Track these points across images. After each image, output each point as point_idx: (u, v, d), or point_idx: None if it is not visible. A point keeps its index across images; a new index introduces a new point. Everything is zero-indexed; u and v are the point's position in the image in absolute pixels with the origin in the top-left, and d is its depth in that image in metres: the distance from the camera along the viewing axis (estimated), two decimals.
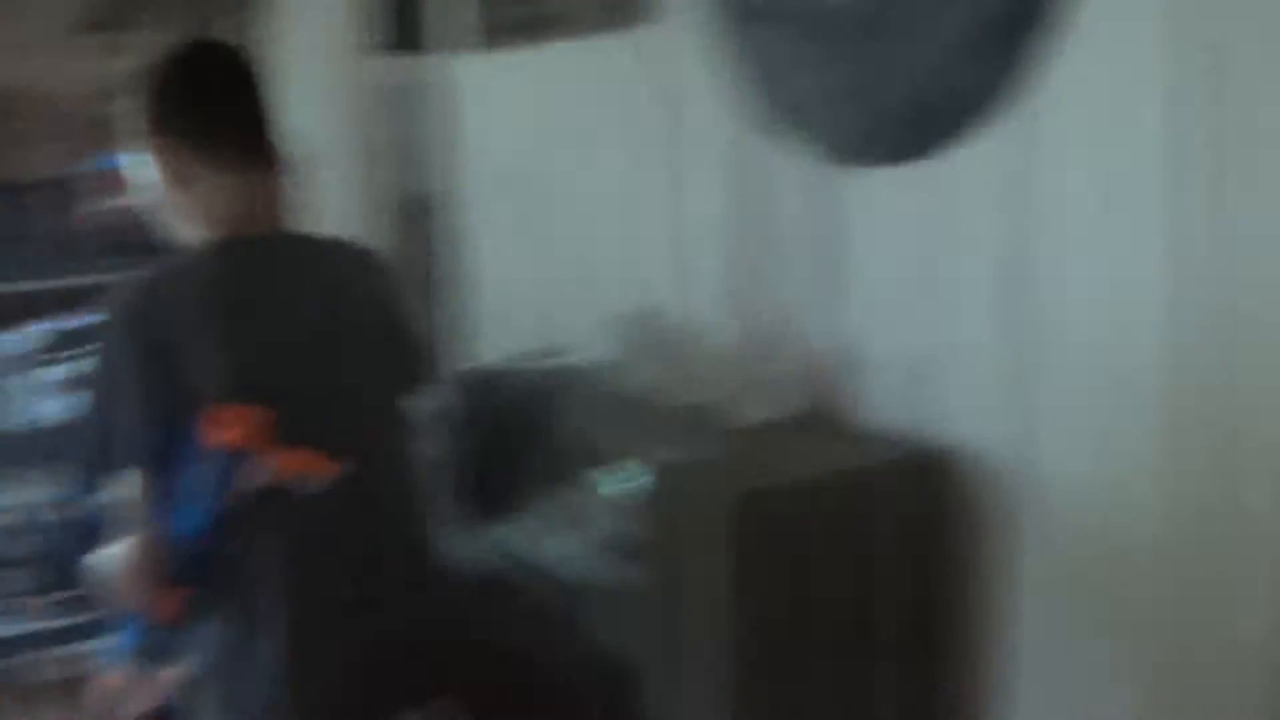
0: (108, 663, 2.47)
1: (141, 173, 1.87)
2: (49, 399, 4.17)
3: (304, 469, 1.78)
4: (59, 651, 3.80)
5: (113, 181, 2.41)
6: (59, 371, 4.22)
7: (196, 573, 1.83)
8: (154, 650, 1.93)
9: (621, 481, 2.12)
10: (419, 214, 4.52)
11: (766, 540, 1.80)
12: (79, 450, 1.90)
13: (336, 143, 4.29)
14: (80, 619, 3.46)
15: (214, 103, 1.88)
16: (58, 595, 3.86)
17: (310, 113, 4.40)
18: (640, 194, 2.52)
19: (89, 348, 1.88)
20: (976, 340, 1.90)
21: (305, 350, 1.85)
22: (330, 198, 4.44)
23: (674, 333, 2.29)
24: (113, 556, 1.81)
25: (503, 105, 3.01)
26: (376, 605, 1.89)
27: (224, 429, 1.70)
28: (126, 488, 1.76)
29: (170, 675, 2.08)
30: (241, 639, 1.85)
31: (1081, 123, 1.83)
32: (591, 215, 2.60)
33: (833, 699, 1.90)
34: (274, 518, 1.78)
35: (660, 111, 2.45)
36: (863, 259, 2.08)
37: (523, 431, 2.31)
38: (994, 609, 1.98)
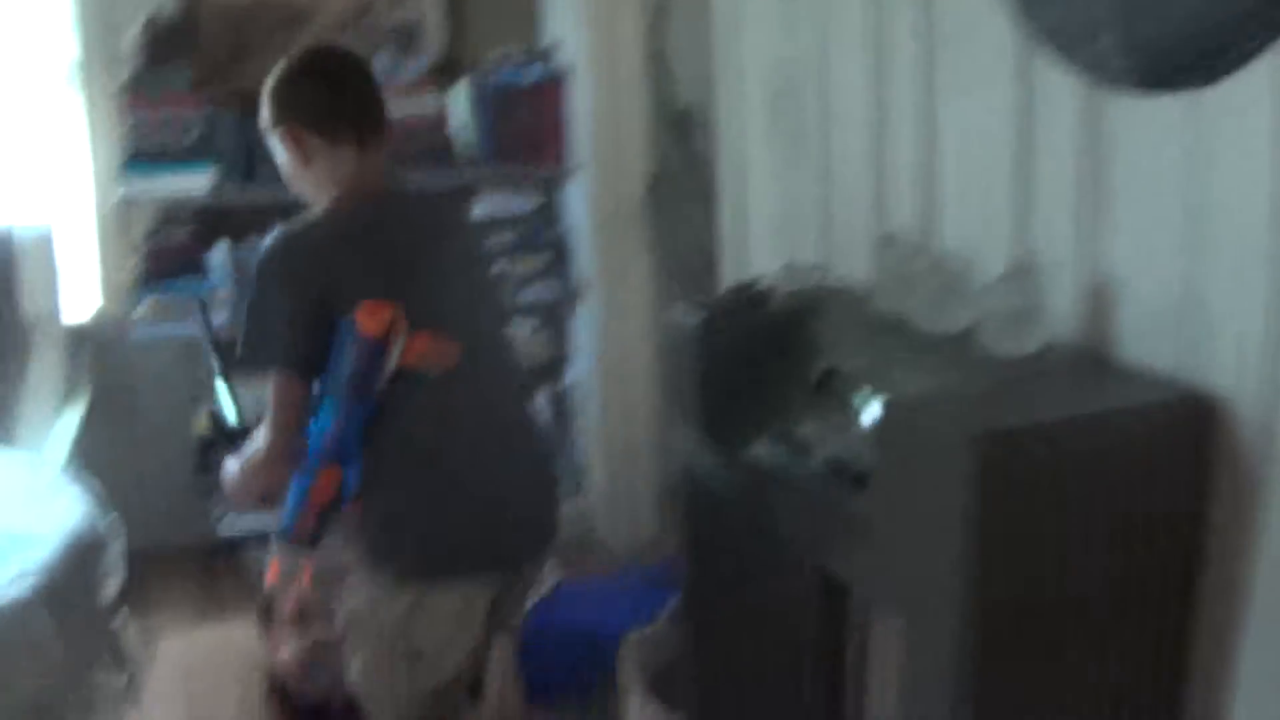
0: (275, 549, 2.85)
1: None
2: None
3: (430, 354, 2.39)
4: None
5: None
6: None
7: (347, 451, 2.41)
8: (306, 531, 2.50)
9: (870, 408, 2.09)
10: (683, 128, 4.53)
11: (1012, 481, 1.65)
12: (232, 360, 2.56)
13: (603, 54, 4.32)
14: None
15: (329, 94, 2.50)
16: None
17: (576, 23, 4.47)
18: (903, 114, 2.44)
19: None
20: (1247, 279, 1.77)
21: (424, 267, 2.44)
22: (598, 109, 4.54)
23: (933, 259, 2.22)
24: (252, 452, 2.48)
25: (769, 17, 2.96)
26: (504, 466, 2.49)
27: (369, 320, 2.30)
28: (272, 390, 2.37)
29: (320, 555, 2.69)
30: (389, 505, 2.41)
31: None
32: (854, 134, 2.54)
33: (1070, 653, 1.77)
34: (410, 395, 2.36)
35: (926, 32, 2.37)
36: (1129, 189, 1.91)
37: (772, 350, 2.29)
38: (1251, 572, 1.77)
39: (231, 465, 2.59)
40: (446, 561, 2.43)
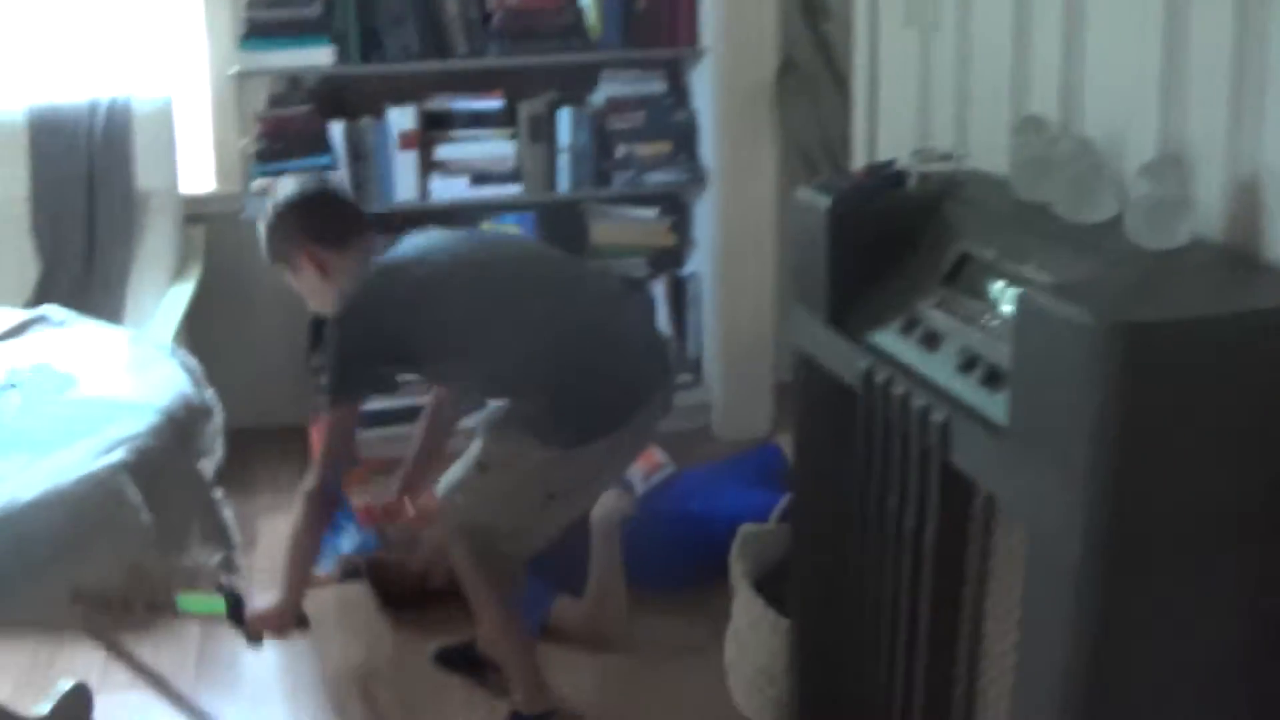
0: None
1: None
2: (427, 179, 4.39)
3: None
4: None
5: None
6: (439, 152, 4.41)
7: None
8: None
9: (1005, 298, 1.98)
10: (815, 11, 4.39)
11: (1154, 378, 1.51)
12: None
13: None
14: None
15: (333, 220, 3.07)
16: None
17: None
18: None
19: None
20: None
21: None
22: None
23: (1075, 144, 2.09)
24: None
25: None
26: (617, 343, 2.94)
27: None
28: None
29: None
30: (534, 405, 2.85)
31: None
32: (994, 14, 2.40)
33: (1208, 571, 1.63)
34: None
35: None
36: None
37: (904, 235, 2.19)
38: None
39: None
40: (589, 429, 2.82)
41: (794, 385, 2.40)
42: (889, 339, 2.08)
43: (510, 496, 2.86)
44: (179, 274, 4.23)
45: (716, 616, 3.27)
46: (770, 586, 3.09)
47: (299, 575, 3.05)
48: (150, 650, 3.31)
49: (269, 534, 3.95)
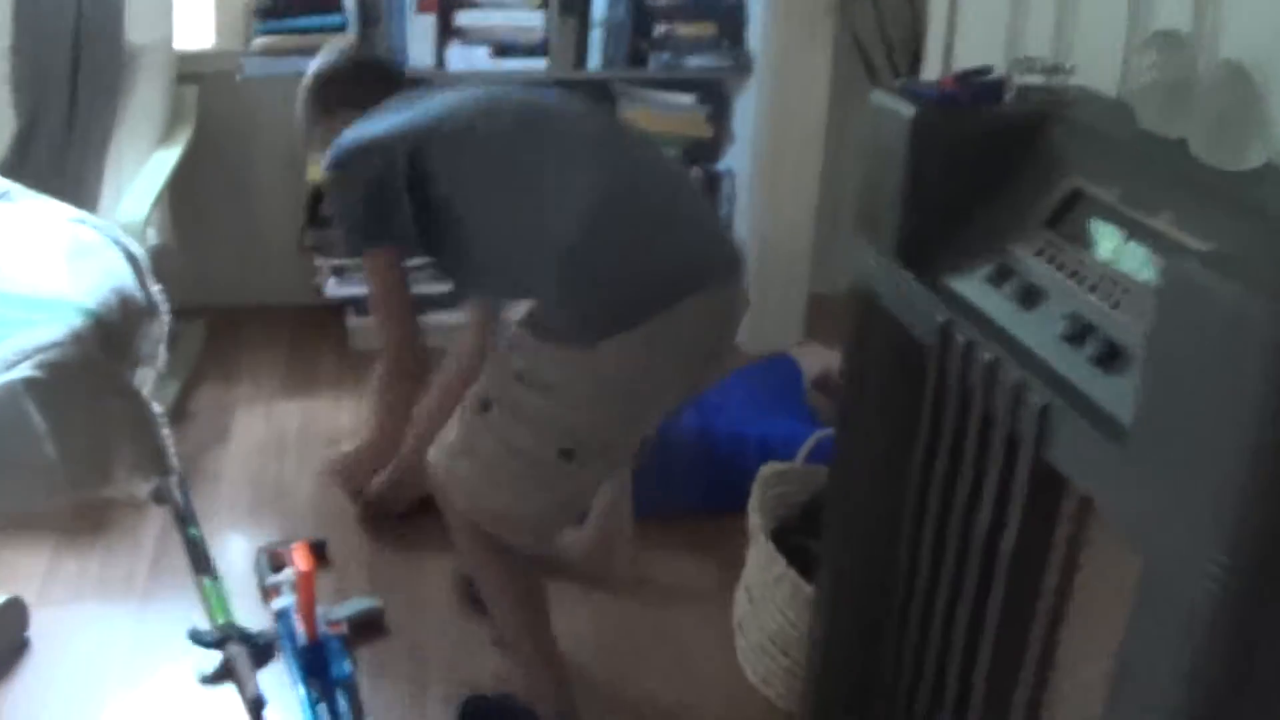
0: None
1: None
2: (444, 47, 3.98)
3: None
4: None
5: None
6: (460, 18, 4.00)
7: None
8: None
9: (1125, 257, 1.59)
10: None
11: None
12: None
13: None
14: None
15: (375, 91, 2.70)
16: None
17: None
18: None
19: None
20: None
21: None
22: None
23: (1224, 74, 1.68)
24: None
25: None
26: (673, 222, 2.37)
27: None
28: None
29: None
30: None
31: None
32: None
33: None
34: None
35: None
36: None
37: (1000, 160, 1.79)
38: None
39: None
40: (622, 308, 2.24)
41: (847, 327, 2.01)
42: (974, 288, 1.69)
43: (523, 457, 2.26)
44: (166, 137, 3.86)
45: (727, 560, 2.95)
46: (790, 536, 2.74)
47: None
48: (103, 553, 2.99)
49: (245, 427, 3.61)
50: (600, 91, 4.19)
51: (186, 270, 4.16)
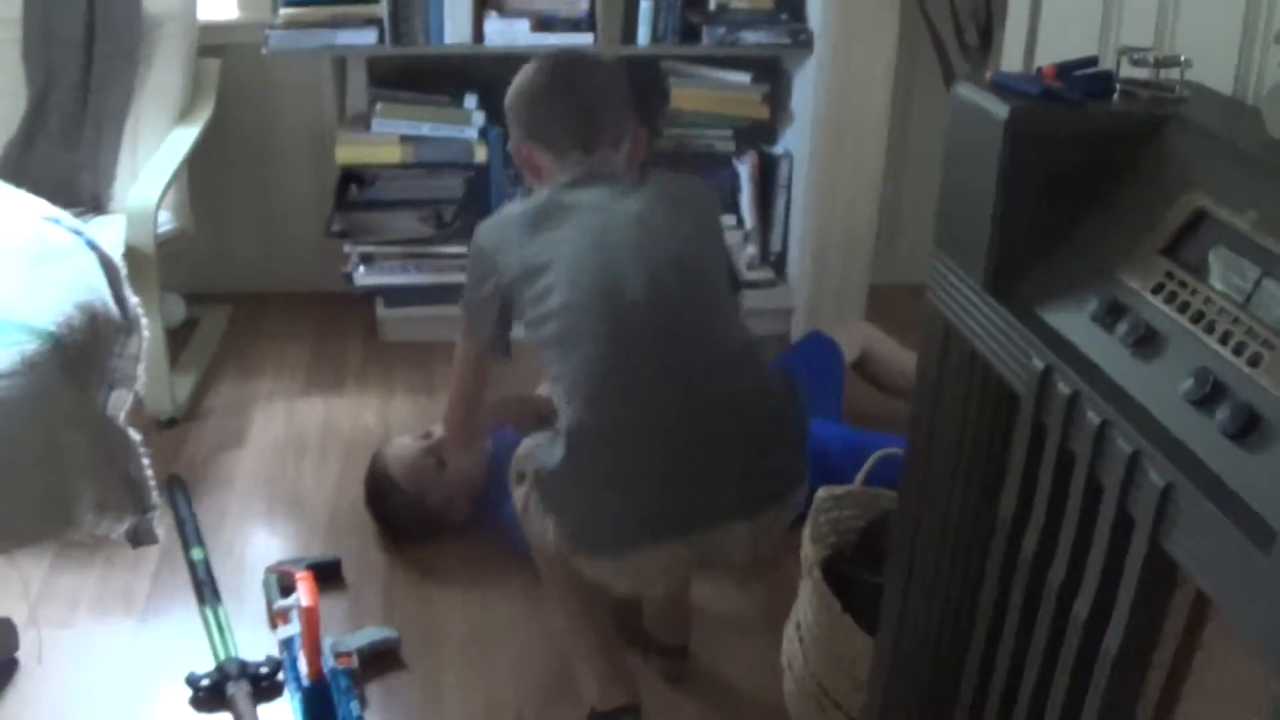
0: None
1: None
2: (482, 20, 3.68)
3: None
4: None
5: None
6: None
7: None
8: None
9: (1260, 294, 1.31)
10: None
11: None
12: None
13: None
14: None
15: (557, 110, 2.45)
16: None
17: None
18: None
19: None
20: None
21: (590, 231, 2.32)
22: None
23: None
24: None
25: None
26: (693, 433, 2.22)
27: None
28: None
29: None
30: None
31: None
32: None
33: None
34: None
35: None
36: None
37: (1108, 169, 1.51)
38: None
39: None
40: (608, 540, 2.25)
41: (922, 357, 1.73)
42: (1078, 327, 1.41)
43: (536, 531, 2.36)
44: (186, 113, 3.63)
45: (777, 587, 2.69)
46: (845, 565, 2.48)
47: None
48: (103, 567, 2.77)
49: (263, 427, 3.37)
50: (649, 69, 3.91)
51: (206, 255, 3.96)
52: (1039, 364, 1.40)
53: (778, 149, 4.00)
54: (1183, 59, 1.58)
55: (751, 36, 3.73)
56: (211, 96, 3.68)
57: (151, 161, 3.38)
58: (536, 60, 2.53)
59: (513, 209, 2.43)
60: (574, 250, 2.27)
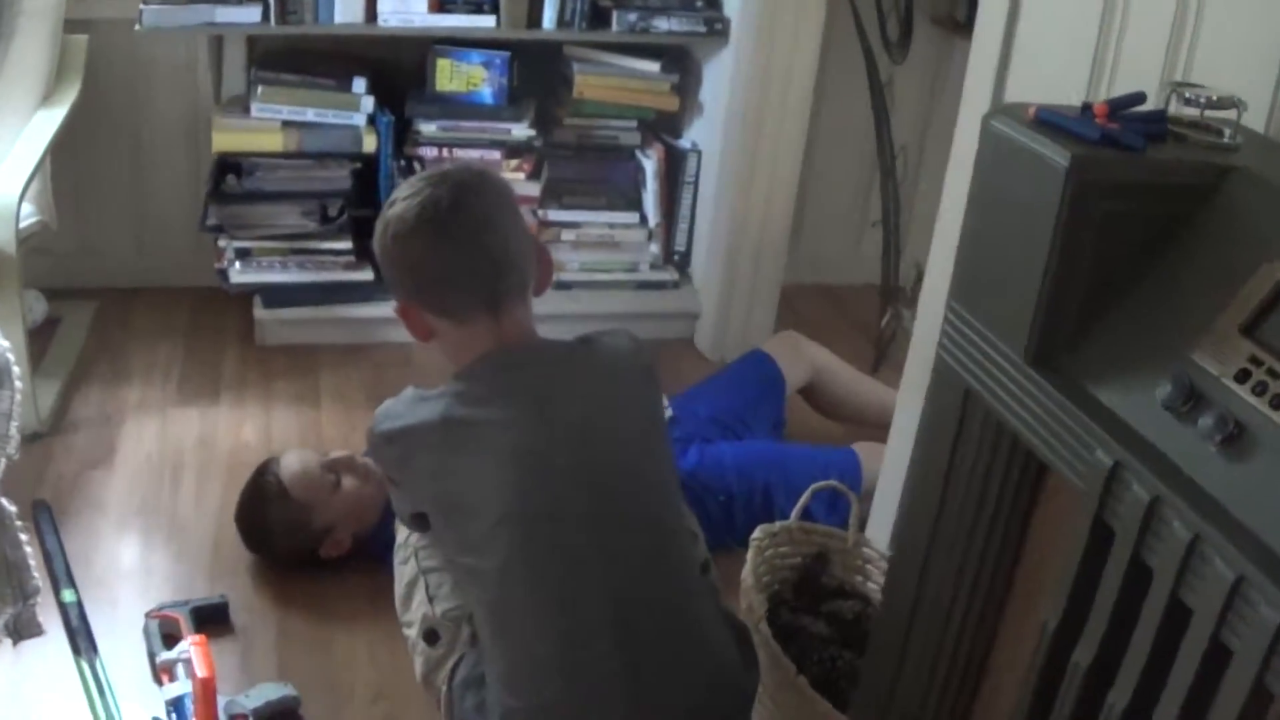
0: None
1: None
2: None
3: None
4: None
5: None
6: None
7: None
8: None
9: None
10: None
11: None
12: None
13: None
14: None
15: (452, 264, 1.89)
16: None
17: None
18: None
19: None
20: None
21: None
22: None
23: None
24: None
25: None
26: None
27: None
28: None
29: None
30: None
31: None
32: None
33: None
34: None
35: None
36: None
37: (1169, 228, 1.32)
38: None
39: None
40: None
41: (934, 420, 1.54)
42: (1147, 415, 1.22)
43: None
44: (50, 94, 3.28)
45: None
46: (787, 615, 2.30)
47: None
48: None
49: (135, 441, 3.08)
50: (553, 54, 3.68)
51: (70, 248, 3.64)
52: (1105, 459, 1.21)
53: (684, 142, 3.79)
54: (1237, 99, 1.40)
55: (664, 24, 3.52)
56: (78, 76, 3.34)
57: (14, 146, 3.04)
58: (409, 199, 1.90)
59: (418, 414, 1.89)
60: (503, 499, 1.81)
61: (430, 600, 2.02)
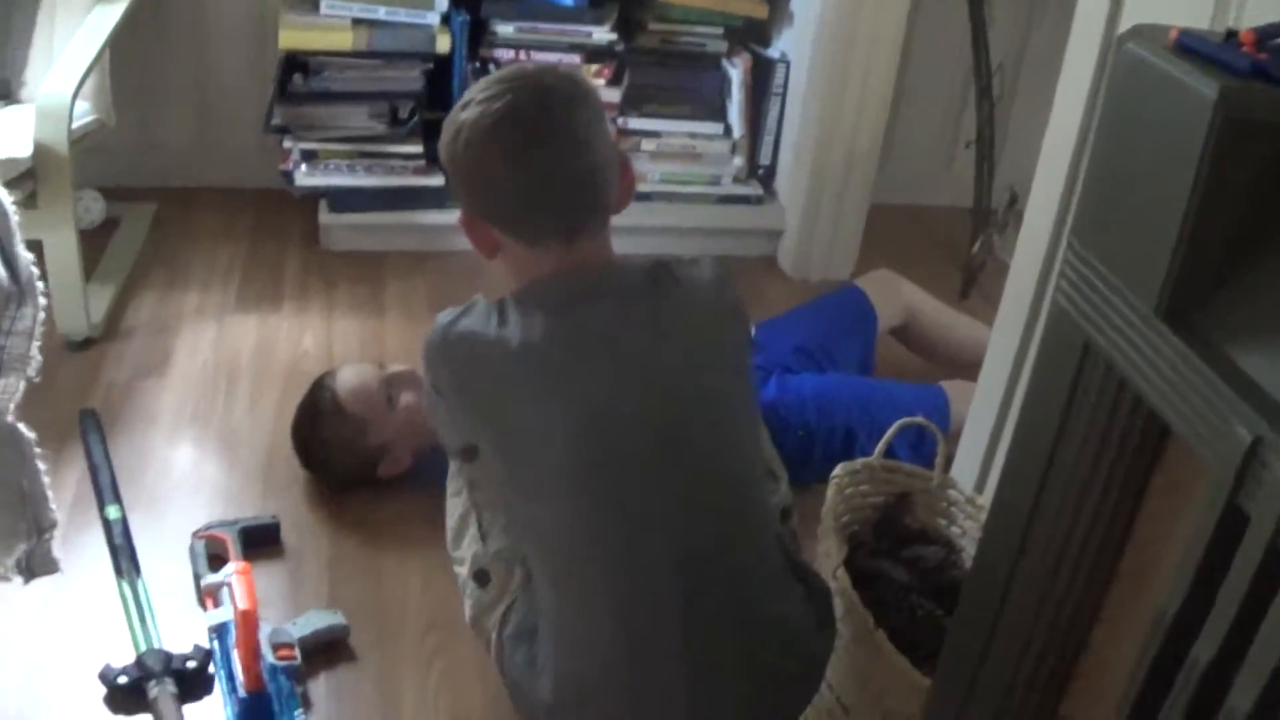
0: None
1: None
2: None
3: None
4: None
5: None
6: None
7: None
8: None
9: None
10: None
11: None
12: None
13: None
14: None
15: (526, 183, 1.68)
16: None
17: None
18: None
19: None
20: None
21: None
22: None
23: None
24: None
25: None
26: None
27: None
28: None
29: None
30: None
31: None
32: None
33: None
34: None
35: None
36: None
37: None
38: None
39: None
40: None
41: (1046, 370, 1.38)
42: None
43: None
44: None
45: None
46: (866, 559, 2.16)
47: None
48: None
49: (190, 349, 2.98)
50: None
51: (130, 146, 3.54)
52: (1244, 433, 1.05)
53: (773, 52, 3.60)
54: None
55: None
56: None
57: (70, 43, 2.92)
58: (486, 101, 1.67)
59: (492, 334, 1.69)
60: (568, 447, 1.66)
61: (483, 538, 1.90)
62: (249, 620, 1.95)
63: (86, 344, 2.91)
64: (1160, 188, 1.15)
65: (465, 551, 1.94)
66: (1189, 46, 1.16)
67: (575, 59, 3.42)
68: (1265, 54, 1.14)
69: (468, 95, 1.72)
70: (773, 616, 1.74)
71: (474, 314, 1.72)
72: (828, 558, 2.08)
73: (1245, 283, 1.14)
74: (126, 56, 3.28)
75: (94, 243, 3.23)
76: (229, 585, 2.10)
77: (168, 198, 3.61)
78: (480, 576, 1.89)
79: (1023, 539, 1.41)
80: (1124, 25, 1.88)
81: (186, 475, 2.58)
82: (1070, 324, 1.29)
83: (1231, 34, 1.18)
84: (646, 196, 3.58)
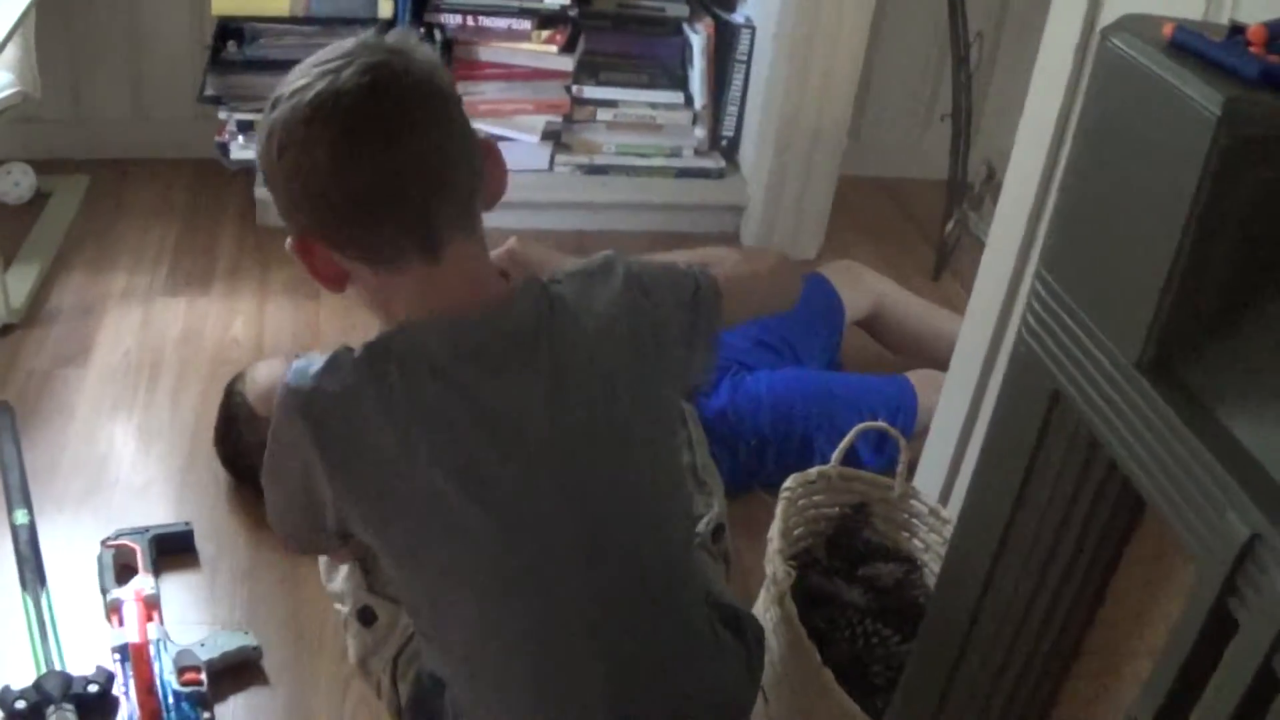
0: None
1: None
2: None
3: None
4: None
5: None
6: None
7: None
8: None
9: None
10: None
11: None
12: None
13: None
14: None
15: (357, 191, 1.31)
16: None
17: None
18: None
19: None
20: None
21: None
22: None
23: None
24: None
25: None
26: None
27: None
28: None
29: None
30: None
31: None
32: None
33: None
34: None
35: None
36: None
37: None
38: None
39: None
40: None
41: (1007, 415, 1.22)
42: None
43: None
44: None
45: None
46: (818, 579, 2.01)
47: None
48: None
49: (114, 336, 2.81)
50: None
51: (61, 117, 3.35)
52: (1240, 527, 0.88)
53: (737, 17, 3.42)
54: None
55: None
56: None
57: None
58: (300, 91, 1.34)
59: (351, 386, 1.36)
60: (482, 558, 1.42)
61: (365, 572, 1.71)
62: (140, 655, 1.78)
63: (6, 330, 2.74)
64: (1148, 216, 0.98)
65: (341, 586, 1.76)
66: (1186, 45, 0.98)
67: (526, 24, 3.23)
68: (1277, 56, 0.97)
69: (277, 90, 1.38)
70: (694, 667, 1.56)
71: (342, 370, 1.38)
72: (774, 584, 1.92)
73: (1244, 333, 0.97)
74: (55, 23, 3.09)
75: (23, 219, 3.07)
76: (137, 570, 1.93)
77: (101, 170, 3.42)
78: (364, 615, 1.70)
79: (975, 610, 1.25)
80: (1108, 8, 1.71)
81: (101, 475, 2.40)
82: (1038, 368, 1.12)
83: (1237, 29, 1.00)
84: (602, 170, 3.40)
